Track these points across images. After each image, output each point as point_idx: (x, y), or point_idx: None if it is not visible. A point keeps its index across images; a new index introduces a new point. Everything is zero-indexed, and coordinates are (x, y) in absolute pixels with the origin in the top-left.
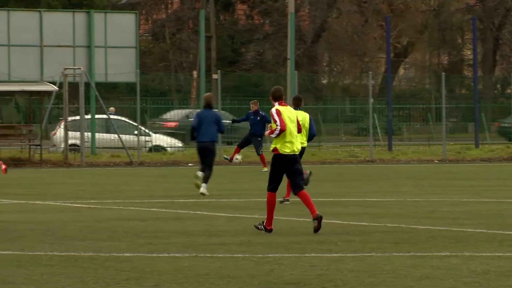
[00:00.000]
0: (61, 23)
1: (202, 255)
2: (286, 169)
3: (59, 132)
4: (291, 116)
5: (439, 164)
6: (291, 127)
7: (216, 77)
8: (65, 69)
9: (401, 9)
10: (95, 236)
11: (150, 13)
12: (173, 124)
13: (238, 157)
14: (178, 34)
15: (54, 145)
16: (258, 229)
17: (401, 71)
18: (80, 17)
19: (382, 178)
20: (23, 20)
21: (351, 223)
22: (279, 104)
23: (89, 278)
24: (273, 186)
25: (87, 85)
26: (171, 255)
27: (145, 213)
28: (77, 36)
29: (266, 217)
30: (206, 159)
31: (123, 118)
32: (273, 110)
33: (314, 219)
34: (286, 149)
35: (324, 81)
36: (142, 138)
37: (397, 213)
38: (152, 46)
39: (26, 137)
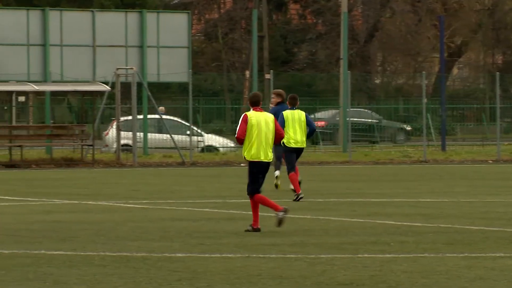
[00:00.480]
0: (114, 23)
1: (254, 255)
2: (258, 173)
3: (111, 132)
4: (264, 123)
5: (493, 164)
6: (262, 134)
7: (269, 77)
8: (118, 69)
9: (455, 9)
10: (148, 237)
11: (202, 12)
12: (322, 123)
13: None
14: (230, 34)
15: (107, 145)
16: (248, 230)
17: (455, 70)
18: (132, 17)
19: (436, 178)
20: (76, 20)
21: (405, 223)
22: (254, 110)
23: (141, 279)
24: (256, 188)
25: (140, 85)
26: (223, 255)
27: (198, 213)
28: (129, 36)
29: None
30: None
31: (175, 118)
32: (243, 115)
33: (252, 228)
34: (253, 156)
35: (377, 81)
36: (194, 138)
37: (451, 213)
38: (204, 46)
39: (79, 137)
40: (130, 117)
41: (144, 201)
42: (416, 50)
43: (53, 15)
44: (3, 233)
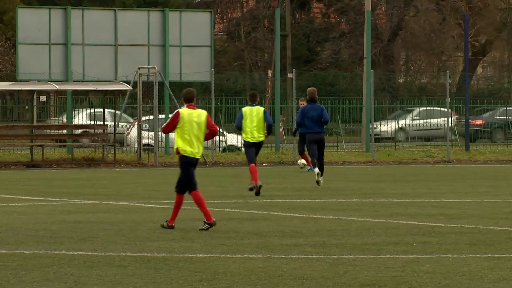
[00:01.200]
0: (136, 22)
1: (275, 256)
2: (193, 169)
3: (133, 132)
4: (196, 120)
5: None
6: (194, 130)
7: (291, 76)
8: (140, 68)
9: (480, 7)
10: (168, 237)
11: (225, 11)
12: (480, 121)
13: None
14: (253, 32)
15: (128, 145)
16: (164, 227)
17: (479, 70)
18: (154, 16)
19: (459, 178)
20: (98, 19)
21: (427, 224)
22: (187, 107)
23: (162, 279)
24: (191, 185)
25: (161, 84)
26: (244, 256)
27: (219, 213)
28: (151, 35)
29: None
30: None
31: None
32: (175, 112)
33: (207, 224)
34: (187, 152)
35: (401, 80)
36: (216, 137)
37: (474, 214)
38: (227, 45)
39: (100, 136)
40: (151, 117)
41: (165, 201)
42: (440, 49)
43: (75, 14)
44: (24, 233)
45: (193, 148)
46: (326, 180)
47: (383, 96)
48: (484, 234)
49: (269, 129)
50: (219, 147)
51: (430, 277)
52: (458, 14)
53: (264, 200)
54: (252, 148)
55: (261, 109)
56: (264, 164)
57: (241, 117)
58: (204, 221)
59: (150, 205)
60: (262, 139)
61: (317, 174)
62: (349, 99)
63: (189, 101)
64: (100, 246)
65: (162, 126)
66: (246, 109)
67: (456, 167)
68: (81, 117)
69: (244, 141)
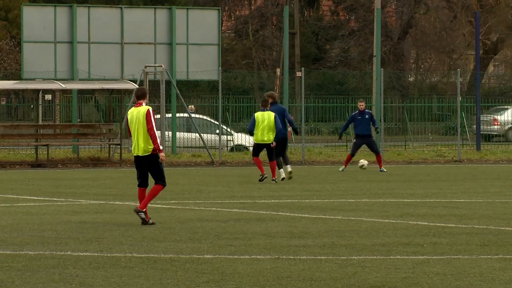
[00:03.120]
0: (142, 20)
1: (284, 257)
2: (141, 167)
3: None
4: (136, 118)
5: None
6: (133, 128)
7: (300, 75)
8: (146, 66)
9: (491, 5)
10: (175, 238)
11: (233, 9)
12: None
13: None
14: (261, 30)
15: None
16: (142, 219)
17: (491, 68)
18: (161, 13)
19: (470, 178)
20: (104, 17)
21: (438, 224)
22: (136, 105)
23: (168, 281)
24: (139, 182)
25: (168, 83)
26: (252, 257)
27: (226, 214)
28: (158, 33)
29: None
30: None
31: (204, 117)
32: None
33: (135, 210)
34: (133, 151)
35: (411, 79)
36: (224, 137)
37: (485, 214)
38: (234, 43)
39: (106, 136)
40: (158, 116)
41: (172, 201)
42: (450, 47)
43: (81, 11)
44: (29, 234)
45: (136, 146)
46: (335, 179)
47: (393, 95)
48: (496, 234)
49: (278, 132)
50: (227, 146)
51: (440, 279)
52: (469, 11)
53: (272, 201)
54: (261, 148)
55: (271, 114)
56: None
57: (254, 122)
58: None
59: (156, 206)
60: (271, 141)
61: (290, 172)
62: (358, 98)
63: (140, 98)
64: (106, 247)
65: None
66: (258, 115)
67: (467, 167)
68: None
69: (254, 142)
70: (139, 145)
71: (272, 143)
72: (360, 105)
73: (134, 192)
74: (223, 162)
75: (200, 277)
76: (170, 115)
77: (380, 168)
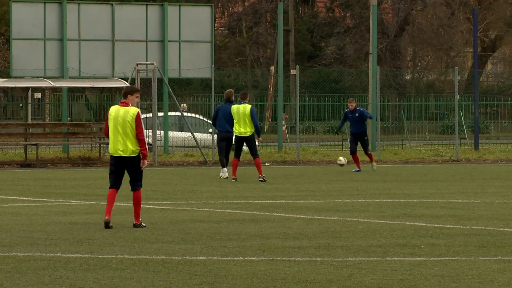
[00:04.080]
0: (134, 17)
1: (278, 258)
2: (120, 168)
3: None
4: (122, 117)
5: None
6: (116, 127)
7: (294, 73)
8: (137, 64)
9: (489, 1)
10: (167, 239)
11: (226, 6)
12: None
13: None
14: (255, 27)
15: None
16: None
17: (489, 66)
18: (153, 10)
19: (468, 178)
20: (94, 14)
21: (435, 225)
22: (121, 104)
23: (160, 283)
24: (111, 184)
25: (160, 81)
26: (246, 258)
27: (220, 214)
28: (150, 30)
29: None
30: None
31: (197, 116)
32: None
33: (134, 225)
34: (110, 150)
35: (408, 77)
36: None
37: (484, 215)
38: (228, 40)
39: (97, 135)
40: (150, 115)
41: (164, 202)
42: (448, 44)
43: (71, 8)
44: (18, 235)
45: (118, 146)
46: (330, 179)
47: (390, 93)
48: (494, 236)
49: (257, 130)
50: None
51: (438, 281)
52: (467, 8)
53: (266, 201)
54: (241, 142)
55: (248, 107)
56: (266, 164)
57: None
58: (136, 224)
59: (148, 206)
60: (248, 134)
61: (224, 171)
62: (354, 96)
63: (124, 97)
64: (97, 248)
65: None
66: (234, 107)
67: (465, 167)
68: None
69: (235, 135)
70: (127, 147)
71: (257, 138)
72: (350, 106)
73: (126, 193)
74: (216, 161)
75: (193, 279)
76: (162, 114)
77: (371, 165)
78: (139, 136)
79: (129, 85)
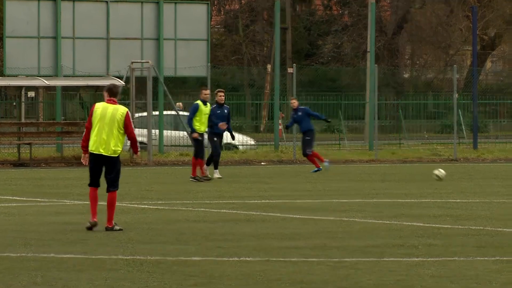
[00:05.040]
0: (129, 14)
1: (274, 259)
2: (99, 166)
3: None
4: (110, 115)
5: None
6: (102, 125)
7: (291, 71)
8: (132, 62)
9: None
10: (162, 239)
11: (222, 3)
12: None
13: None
14: (252, 25)
15: None
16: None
17: (488, 64)
18: (149, 8)
19: (467, 178)
20: (89, 11)
21: (433, 225)
22: (107, 101)
23: (155, 284)
24: (90, 182)
25: (155, 79)
26: (241, 259)
27: (215, 214)
28: (145, 28)
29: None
30: None
31: None
32: (92, 105)
33: (106, 228)
34: (91, 148)
35: (406, 75)
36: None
37: (482, 215)
38: (224, 38)
39: None
40: (145, 113)
41: (158, 202)
42: (447, 42)
43: (65, 6)
44: (11, 235)
45: (102, 144)
46: (326, 179)
47: (387, 92)
48: (492, 236)
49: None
50: None
51: (435, 281)
52: (466, 6)
53: (262, 201)
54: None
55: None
56: (262, 163)
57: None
58: (108, 228)
59: (143, 206)
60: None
61: (206, 170)
62: (351, 95)
63: (115, 96)
64: (91, 249)
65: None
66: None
67: (464, 166)
68: None
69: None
70: (108, 145)
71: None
72: (291, 104)
73: (120, 192)
74: None
75: (188, 280)
76: (157, 112)
77: (315, 167)
78: (131, 135)
79: (122, 83)
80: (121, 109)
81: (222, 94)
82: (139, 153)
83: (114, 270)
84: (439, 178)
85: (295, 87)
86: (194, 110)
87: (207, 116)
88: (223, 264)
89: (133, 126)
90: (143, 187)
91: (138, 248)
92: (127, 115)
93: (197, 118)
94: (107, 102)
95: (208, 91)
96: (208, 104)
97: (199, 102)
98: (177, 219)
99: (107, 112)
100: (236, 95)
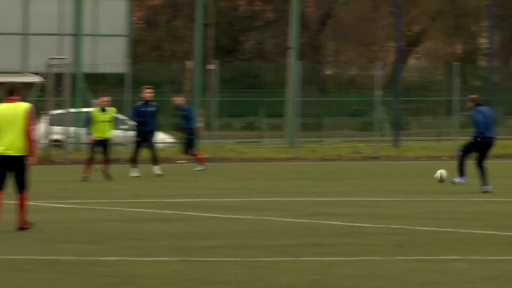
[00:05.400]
0: (47, 10)
1: (190, 259)
2: (8, 168)
3: (42, 126)
4: (12, 115)
5: (449, 161)
6: (7, 125)
7: (212, 68)
8: (50, 58)
9: None
10: (76, 239)
11: None
12: None
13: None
14: (173, 21)
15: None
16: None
17: (412, 61)
18: (68, 3)
19: (387, 176)
20: (6, 6)
21: (351, 224)
22: (8, 101)
23: (69, 284)
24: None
25: (74, 76)
26: (156, 259)
27: (130, 213)
28: (64, 23)
29: None
30: None
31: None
32: None
33: (19, 228)
34: (1, 150)
35: (329, 72)
36: (131, 133)
37: (401, 213)
38: (145, 34)
39: None
40: (62, 111)
41: (74, 201)
42: (371, 39)
43: None
44: None
45: (9, 145)
46: (243, 177)
47: (310, 89)
48: (411, 235)
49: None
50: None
51: (352, 281)
52: (391, 2)
53: (179, 200)
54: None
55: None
56: (181, 161)
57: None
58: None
59: (57, 205)
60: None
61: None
62: (274, 92)
63: (9, 95)
64: (2, 248)
65: None
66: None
67: (384, 164)
68: None
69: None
70: (16, 144)
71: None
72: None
73: (34, 191)
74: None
75: (102, 280)
76: (75, 109)
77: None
78: (31, 131)
79: (40, 79)
80: (23, 106)
81: (149, 91)
82: (34, 157)
83: (27, 271)
84: (441, 179)
85: (218, 84)
86: (88, 121)
87: (105, 123)
88: (138, 264)
89: (33, 123)
90: (58, 186)
91: (51, 248)
92: (30, 110)
93: (95, 126)
94: (7, 102)
95: (148, 90)
96: (108, 110)
97: (95, 109)
98: (92, 218)
99: (9, 111)
100: (157, 92)
